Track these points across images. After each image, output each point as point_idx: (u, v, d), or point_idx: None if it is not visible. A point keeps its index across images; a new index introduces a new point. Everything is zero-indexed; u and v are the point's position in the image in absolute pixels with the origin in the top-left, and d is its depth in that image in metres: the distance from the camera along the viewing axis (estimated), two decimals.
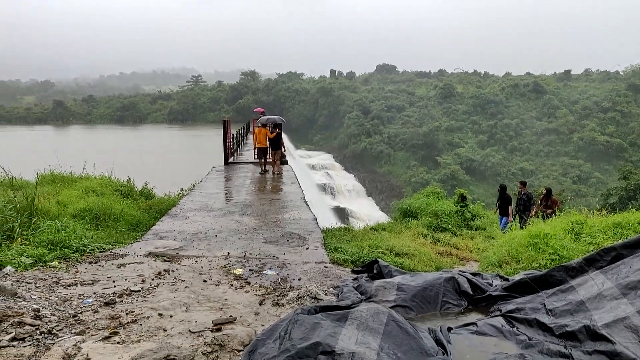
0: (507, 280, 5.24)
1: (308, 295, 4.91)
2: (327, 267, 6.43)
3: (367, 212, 52.13)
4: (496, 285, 5.05)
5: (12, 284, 4.45)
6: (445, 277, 5.02)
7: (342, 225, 12.22)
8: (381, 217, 39.59)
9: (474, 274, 5.46)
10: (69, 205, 9.36)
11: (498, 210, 13.66)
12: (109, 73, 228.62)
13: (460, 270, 5.77)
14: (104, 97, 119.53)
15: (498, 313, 4.30)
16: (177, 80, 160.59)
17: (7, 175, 11.02)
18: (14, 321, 3.73)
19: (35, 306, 4.17)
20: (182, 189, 13.75)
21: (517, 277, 4.95)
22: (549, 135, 71.34)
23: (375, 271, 5.89)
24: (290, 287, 5.43)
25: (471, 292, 4.93)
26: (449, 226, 13.04)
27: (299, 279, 5.79)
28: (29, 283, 4.97)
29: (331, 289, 5.34)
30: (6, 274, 5.22)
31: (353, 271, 6.39)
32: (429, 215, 13.65)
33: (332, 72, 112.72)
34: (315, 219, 9.61)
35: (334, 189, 60.39)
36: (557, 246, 6.73)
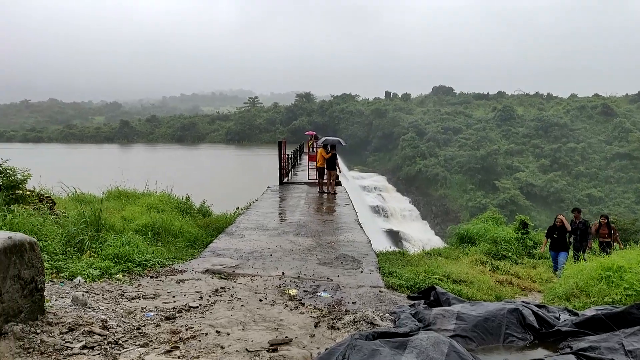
0: (576, 315, 4.90)
1: (364, 320, 4.82)
2: (382, 291, 6.31)
3: (421, 236, 50.99)
4: (565, 320, 4.74)
5: (82, 294, 4.70)
6: (509, 308, 4.77)
7: (397, 249, 11.99)
8: (436, 242, 38.57)
9: (539, 306, 5.15)
10: (132, 221, 9.84)
11: (548, 243, 11.33)
12: (171, 94, 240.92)
13: (523, 301, 5.46)
14: (166, 117, 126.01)
15: (568, 350, 4.02)
16: (235, 102, 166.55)
17: (76, 191, 11.85)
18: (84, 330, 3.93)
19: (103, 317, 4.37)
20: (238, 208, 14.08)
21: (588, 313, 4.62)
22: (620, 160, 67.14)
23: (432, 298, 5.72)
24: (346, 310, 5.36)
25: (537, 326, 4.65)
26: (509, 254, 12.46)
27: (353, 303, 5.71)
28: (97, 294, 5.23)
29: (387, 314, 5.22)
30: (77, 284, 5.53)
31: (409, 297, 6.23)
32: (487, 242, 13.13)
33: (387, 93, 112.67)
34: (370, 241, 9.50)
35: (387, 211, 59.63)
36: (634, 280, 6.23)
